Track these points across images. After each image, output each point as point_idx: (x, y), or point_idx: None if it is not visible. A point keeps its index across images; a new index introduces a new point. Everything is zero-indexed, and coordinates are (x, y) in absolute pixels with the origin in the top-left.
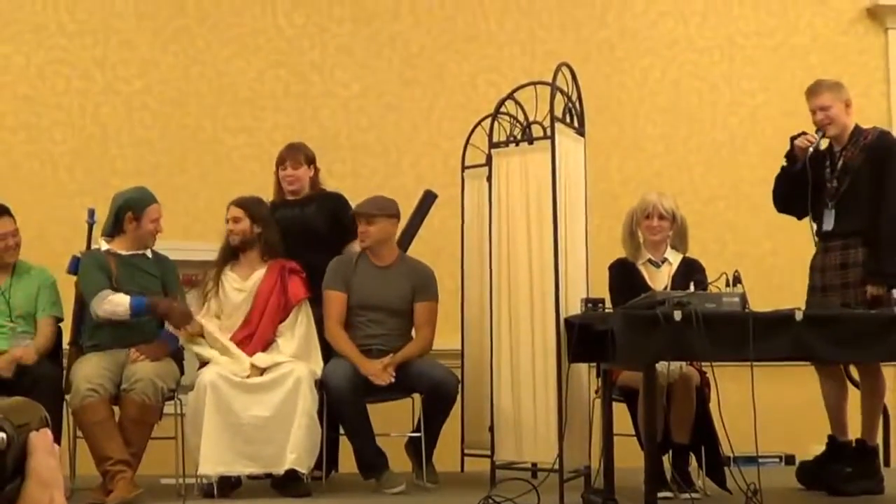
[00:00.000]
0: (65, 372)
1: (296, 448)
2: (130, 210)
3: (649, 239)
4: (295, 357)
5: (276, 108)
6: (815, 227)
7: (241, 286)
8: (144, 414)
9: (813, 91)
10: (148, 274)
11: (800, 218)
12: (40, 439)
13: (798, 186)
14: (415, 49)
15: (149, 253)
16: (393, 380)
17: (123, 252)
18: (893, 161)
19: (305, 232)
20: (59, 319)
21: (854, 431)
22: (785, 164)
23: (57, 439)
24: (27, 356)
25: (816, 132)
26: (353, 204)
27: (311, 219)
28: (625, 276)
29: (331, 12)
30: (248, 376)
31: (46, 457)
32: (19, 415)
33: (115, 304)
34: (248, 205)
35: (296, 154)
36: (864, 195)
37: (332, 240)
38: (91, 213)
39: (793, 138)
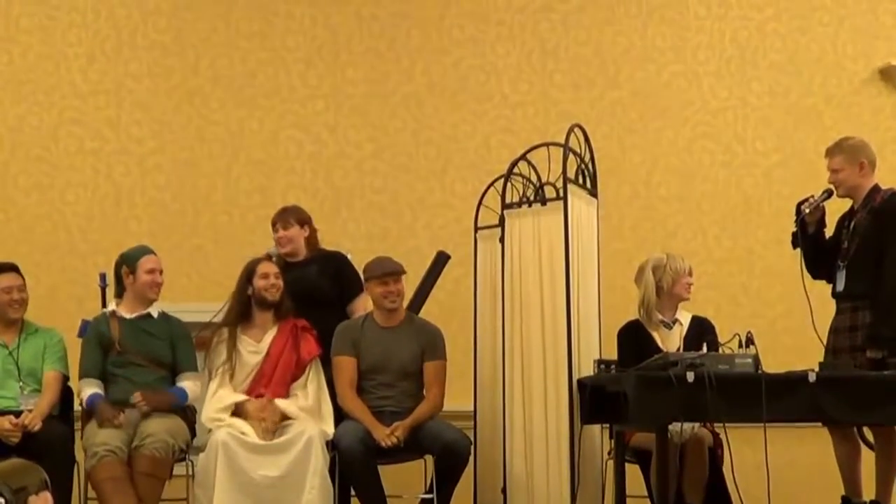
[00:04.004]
0: (76, 433)
1: None
2: (125, 265)
3: (684, 297)
4: (306, 412)
5: (290, 168)
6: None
7: (256, 348)
8: (155, 468)
9: (829, 152)
10: (152, 336)
11: (829, 282)
12: None
13: (819, 250)
14: (428, 110)
15: (154, 313)
16: (396, 440)
17: (128, 315)
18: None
19: (309, 293)
20: (66, 377)
21: (868, 493)
22: (796, 228)
23: (67, 501)
24: (33, 422)
25: (825, 190)
26: (356, 262)
27: (313, 280)
28: (635, 340)
29: (344, 73)
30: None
31: None
32: (18, 478)
33: (85, 394)
34: (279, 264)
35: (286, 216)
36: (870, 258)
37: (336, 300)
38: (102, 276)
39: (799, 204)
